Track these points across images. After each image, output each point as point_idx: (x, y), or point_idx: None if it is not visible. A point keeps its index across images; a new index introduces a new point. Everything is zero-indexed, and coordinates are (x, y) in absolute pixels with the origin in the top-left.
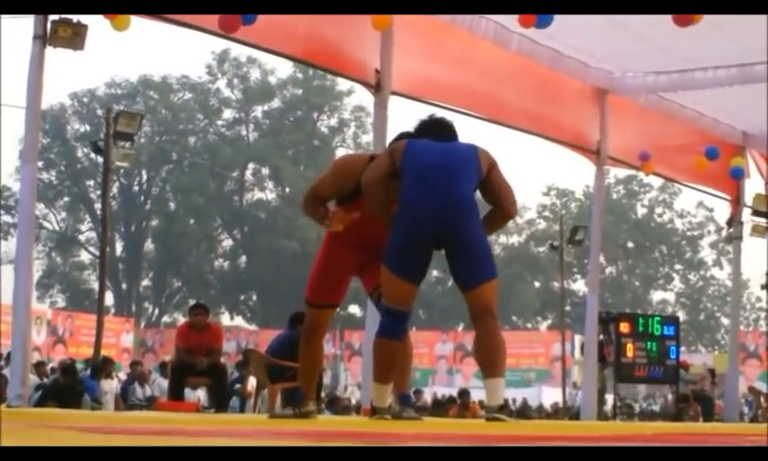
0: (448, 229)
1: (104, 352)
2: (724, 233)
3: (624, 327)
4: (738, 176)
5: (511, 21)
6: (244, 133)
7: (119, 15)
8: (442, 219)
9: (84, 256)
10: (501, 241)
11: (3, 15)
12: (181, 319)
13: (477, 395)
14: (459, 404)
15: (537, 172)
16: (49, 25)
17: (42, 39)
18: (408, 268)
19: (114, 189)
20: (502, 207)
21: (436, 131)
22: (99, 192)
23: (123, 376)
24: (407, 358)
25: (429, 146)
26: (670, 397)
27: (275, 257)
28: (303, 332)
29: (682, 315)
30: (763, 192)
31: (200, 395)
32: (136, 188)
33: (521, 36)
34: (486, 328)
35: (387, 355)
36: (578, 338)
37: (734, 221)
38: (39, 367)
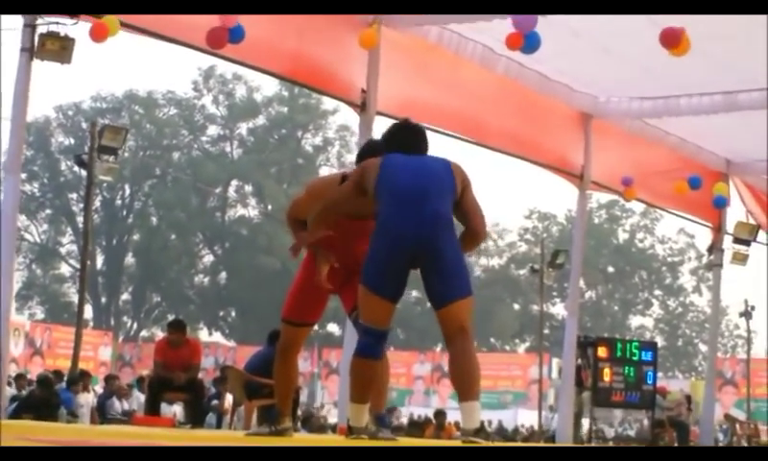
0: (424, 247)
1: (81, 366)
2: (704, 260)
3: (602, 352)
4: (721, 205)
5: (497, 43)
6: (228, 149)
7: (106, 23)
8: (418, 237)
9: (65, 269)
10: (482, 263)
11: None
12: (160, 334)
13: (453, 415)
14: (435, 425)
15: (519, 195)
16: (36, 38)
17: (30, 52)
18: (385, 286)
19: (97, 203)
20: (471, 229)
21: (407, 140)
22: (81, 205)
23: (99, 389)
24: (384, 378)
25: (402, 166)
26: (646, 422)
27: (255, 274)
28: (278, 350)
29: (660, 341)
30: (745, 220)
31: (176, 410)
32: (119, 202)
33: (508, 59)
34: (459, 348)
35: (364, 375)
36: (556, 361)
37: (715, 248)
38: (19, 379)
